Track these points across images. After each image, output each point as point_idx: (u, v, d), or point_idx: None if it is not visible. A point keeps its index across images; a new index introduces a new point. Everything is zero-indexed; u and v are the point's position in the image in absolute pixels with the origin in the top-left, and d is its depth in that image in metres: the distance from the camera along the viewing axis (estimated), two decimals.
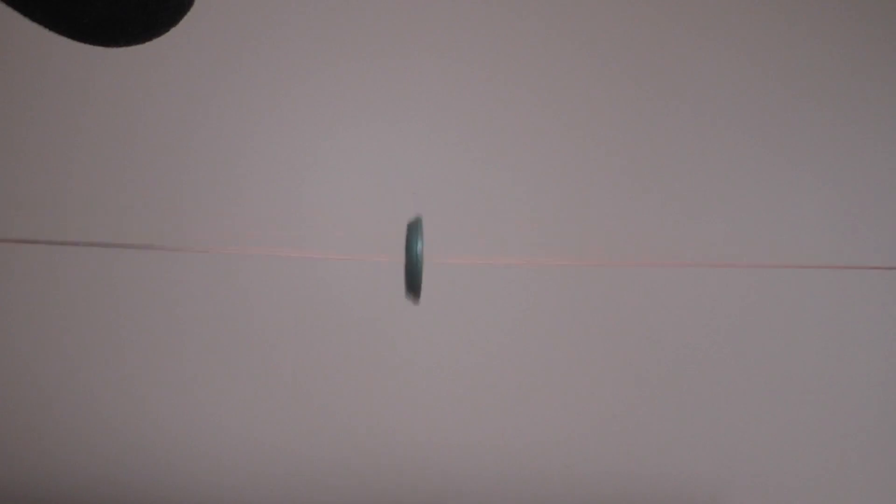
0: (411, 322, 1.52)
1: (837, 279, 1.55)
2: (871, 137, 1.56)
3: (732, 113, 1.55)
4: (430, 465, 1.51)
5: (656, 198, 1.54)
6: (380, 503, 1.51)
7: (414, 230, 0.55)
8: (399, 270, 1.55)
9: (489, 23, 1.54)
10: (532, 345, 1.53)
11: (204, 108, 1.51)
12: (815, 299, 1.56)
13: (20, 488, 1.48)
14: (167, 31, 0.50)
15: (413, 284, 0.55)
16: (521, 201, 1.53)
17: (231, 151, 1.51)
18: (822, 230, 1.55)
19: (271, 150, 1.51)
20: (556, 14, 1.54)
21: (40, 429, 1.50)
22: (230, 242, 1.50)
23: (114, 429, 1.50)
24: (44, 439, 1.50)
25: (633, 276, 1.54)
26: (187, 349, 1.50)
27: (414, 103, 1.53)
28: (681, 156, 1.55)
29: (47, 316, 1.50)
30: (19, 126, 1.50)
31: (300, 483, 1.51)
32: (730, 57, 1.55)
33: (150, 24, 0.48)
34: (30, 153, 1.50)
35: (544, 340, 1.53)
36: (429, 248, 1.52)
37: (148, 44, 0.50)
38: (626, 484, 1.53)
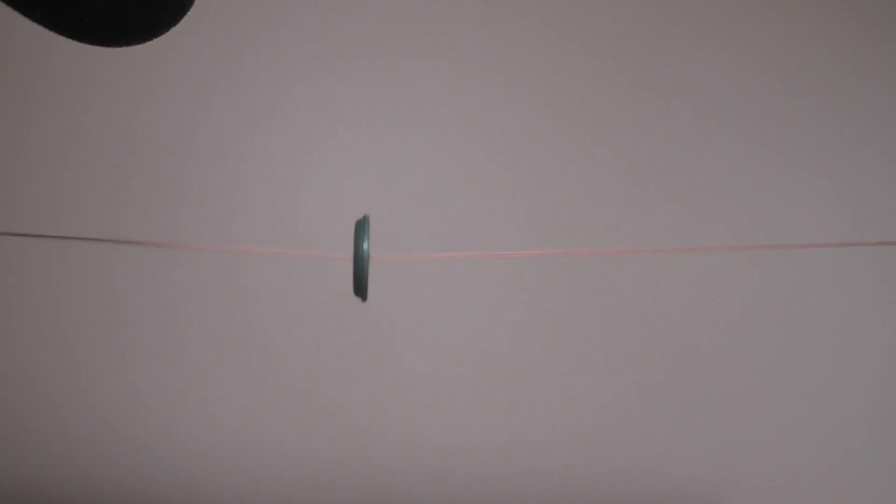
0: (411, 321, 1.52)
1: (838, 278, 1.56)
2: (871, 137, 1.56)
3: (731, 99, 1.55)
4: (429, 465, 1.51)
5: (651, 188, 1.54)
6: (379, 503, 1.51)
7: (361, 229, 0.55)
8: (406, 270, 1.54)
9: (486, 23, 1.53)
10: (532, 345, 1.53)
11: (204, 108, 1.51)
12: (816, 298, 1.56)
13: (20, 488, 1.48)
14: (167, 31, 0.50)
15: (360, 285, 0.55)
16: (516, 197, 1.53)
17: (231, 151, 1.51)
18: (824, 224, 1.55)
19: (271, 149, 1.51)
20: (554, 14, 1.54)
21: (39, 428, 1.50)
22: (229, 240, 1.50)
23: (113, 428, 1.50)
24: (42, 438, 1.50)
25: (633, 274, 1.54)
26: (186, 349, 1.50)
27: (413, 103, 1.53)
28: (676, 145, 1.55)
29: (46, 314, 1.50)
30: (19, 126, 1.50)
31: (300, 483, 1.51)
32: (728, 42, 1.56)
33: (150, 24, 0.48)
34: (30, 153, 1.50)
35: (544, 340, 1.53)
36: (426, 242, 1.51)
37: (148, 44, 0.50)
38: (626, 484, 1.53)
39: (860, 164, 1.57)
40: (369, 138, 1.52)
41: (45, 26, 0.46)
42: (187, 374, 1.50)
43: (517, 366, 1.53)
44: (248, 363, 1.50)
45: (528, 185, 1.53)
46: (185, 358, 1.50)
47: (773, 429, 1.55)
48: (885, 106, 1.57)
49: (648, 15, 1.55)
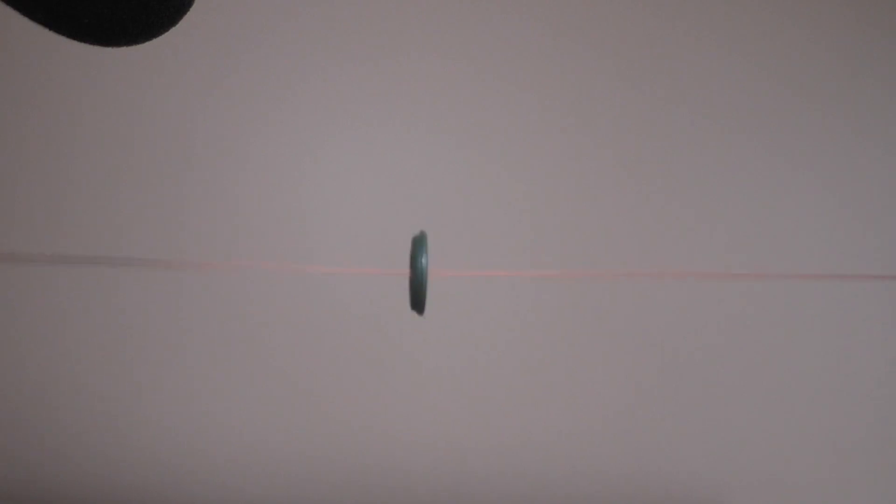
0: (417, 326, 1.52)
1: (837, 282, 1.55)
2: (877, 147, 1.56)
3: (732, 123, 1.55)
4: (431, 466, 1.51)
5: (657, 206, 1.54)
6: (380, 502, 1.51)
7: (419, 245, 0.56)
8: (400, 280, 1.55)
9: (492, 26, 1.53)
10: (534, 346, 1.53)
11: (203, 109, 1.51)
12: (815, 299, 1.56)
13: (18, 488, 1.48)
14: (167, 30, 0.50)
15: (417, 299, 0.55)
16: (523, 211, 1.53)
17: (231, 153, 1.51)
18: (822, 238, 1.55)
19: (271, 151, 1.51)
20: (561, 19, 1.54)
21: (39, 428, 1.50)
22: (231, 250, 1.50)
23: (113, 428, 1.50)
24: (42, 438, 1.50)
25: (633, 280, 1.54)
26: (189, 347, 1.50)
27: (415, 109, 1.53)
28: (682, 165, 1.55)
29: (53, 323, 1.50)
30: (20, 127, 1.50)
31: (301, 482, 1.51)
32: (732, 67, 1.56)
33: (151, 24, 0.48)
34: (29, 156, 1.50)
35: (546, 341, 1.53)
36: (434, 260, 1.52)
37: (147, 44, 0.50)
38: (626, 483, 1.53)
39: (864, 174, 1.56)
40: (372, 146, 1.52)
41: (46, 26, 0.46)
42: (190, 373, 1.50)
43: (519, 367, 1.53)
44: (250, 362, 1.50)
45: (533, 196, 1.53)
46: (187, 356, 1.50)
47: (774, 429, 1.55)
48: (891, 114, 1.57)
49: (652, 24, 1.55)
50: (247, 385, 1.50)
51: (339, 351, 1.51)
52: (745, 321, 1.55)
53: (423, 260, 0.55)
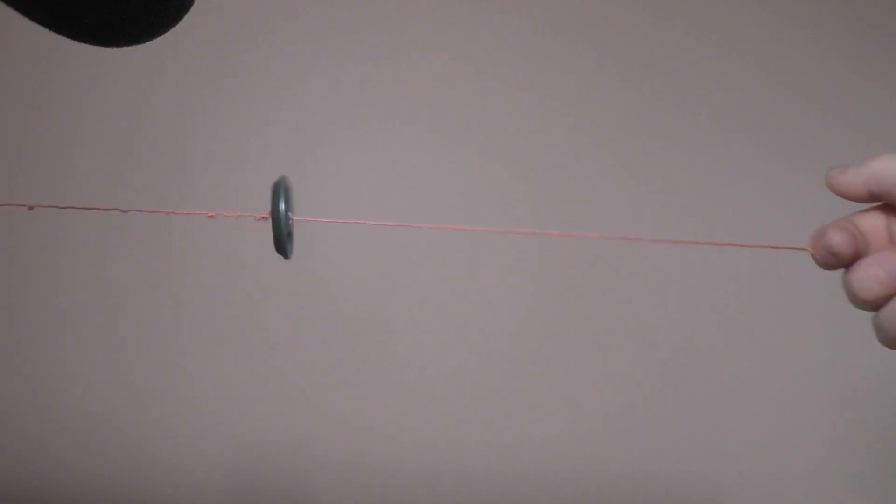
0: (418, 326, 1.52)
1: (838, 283, 1.55)
2: (877, 147, 1.57)
3: (732, 123, 1.55)
4: (431, 466, 1.51)
5: (656, 207, 1.54)
6: (379, 502, 1.51)
7: (277, 191, 0.58)
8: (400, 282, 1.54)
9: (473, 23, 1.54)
10: (531, 344, 1.53)
11: (203, 109, 1.51)
12: (815, 299, 1.55)
13: (16, 488, 1.48)
14: (168, 30, 0.50)
15: (278, 244, 0.58)
16: (523, 211, 1.53)
17: (231, 153, 1.51)
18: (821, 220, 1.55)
19: (271, 151, 1.51)
20: (561, 19, 1.54)
21: (35, 426, 1.50)
22: (231, 250, 1.50)
23: (109, 426, 1.50)
24: (38, 436, 1.50)
25: (634, 271, 1.54)
26: (184, 344, 1.50)
27: (415, 109, 1.53)
28: (682, 165, 1.55)
29: (53, 322, 1.50)
30: (20, 127, 1.50)
31: (300, 482, 1.51)
32: (732, 67, 1.56)
33: (151, 23, 0.48)
34: (28, 157, 1.50)
35: (543, 339, 1.53)
36: (433, 258, 1.51)
37: (147, 44, 0.50)
38: (626, 483, 1.53)
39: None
40: (375, 140, 1.52)
41: (46, 26, 0.46)
42: (189, 373, 1.50)
43: (516, 365, 1.53)
44: (250, 361, 1.50)
45: (525, 169, 1.53)
46: (188, 356, 1.50)
47: (774, 429, 1.55)
48: (879, 96, 1.57)
49: (647, 15, 1.55)
50: (247, 385, 1.50)
51: (340, 350, 1.51)
52: (744, 320, 1.55)
53: (282, 205, 0.56)
